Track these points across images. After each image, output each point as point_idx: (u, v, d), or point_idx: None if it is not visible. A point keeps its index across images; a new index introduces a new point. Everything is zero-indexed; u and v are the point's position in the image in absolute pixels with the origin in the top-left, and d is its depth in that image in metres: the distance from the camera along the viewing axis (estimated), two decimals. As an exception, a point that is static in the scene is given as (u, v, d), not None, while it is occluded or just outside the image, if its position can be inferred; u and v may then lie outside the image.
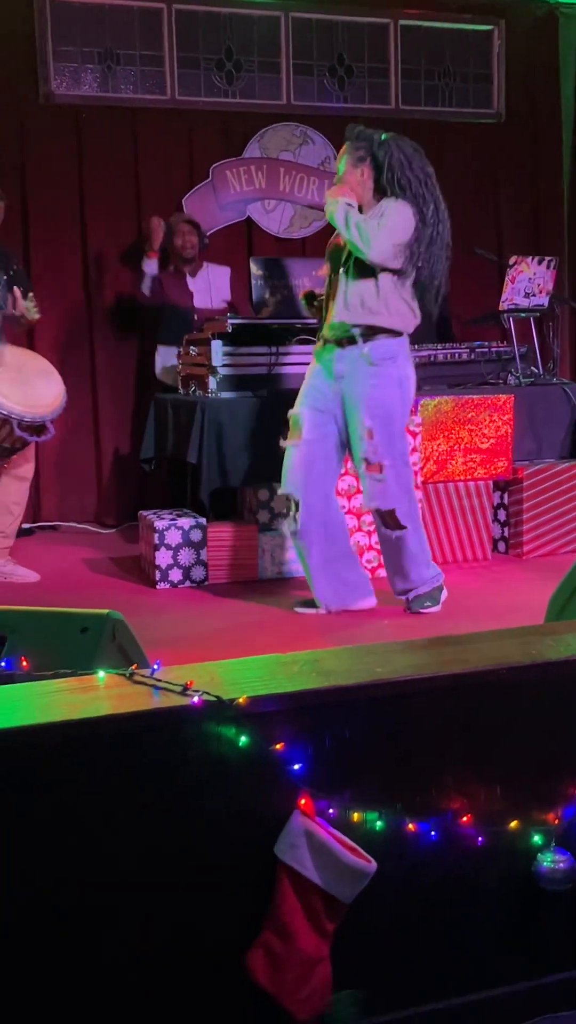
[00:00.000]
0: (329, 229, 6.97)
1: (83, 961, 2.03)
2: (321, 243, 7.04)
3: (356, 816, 2.13)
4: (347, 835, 2.10)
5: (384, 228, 4.13)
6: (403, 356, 4.32)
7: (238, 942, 2.11)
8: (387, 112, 7.16)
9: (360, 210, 4.24)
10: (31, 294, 5.09)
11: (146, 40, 6.66)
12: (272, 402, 5.35)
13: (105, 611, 2.50)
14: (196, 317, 6.16)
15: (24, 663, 2.36)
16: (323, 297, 4.52)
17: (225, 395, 5.32)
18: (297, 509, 4.35)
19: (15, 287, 5.12)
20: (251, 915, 2.11)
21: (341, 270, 4.30)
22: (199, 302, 6.27)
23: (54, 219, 6.55)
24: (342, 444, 4.39)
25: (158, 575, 4.95)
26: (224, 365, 5.32)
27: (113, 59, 6.61)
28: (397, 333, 4.28)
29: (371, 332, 4.24)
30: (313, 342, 5.69)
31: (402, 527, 4.33)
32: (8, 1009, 1.99)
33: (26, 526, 6.46)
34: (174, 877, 2.07)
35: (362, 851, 2.09)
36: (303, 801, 2.09)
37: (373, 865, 2.08)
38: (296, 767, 2.07)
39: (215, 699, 2.05)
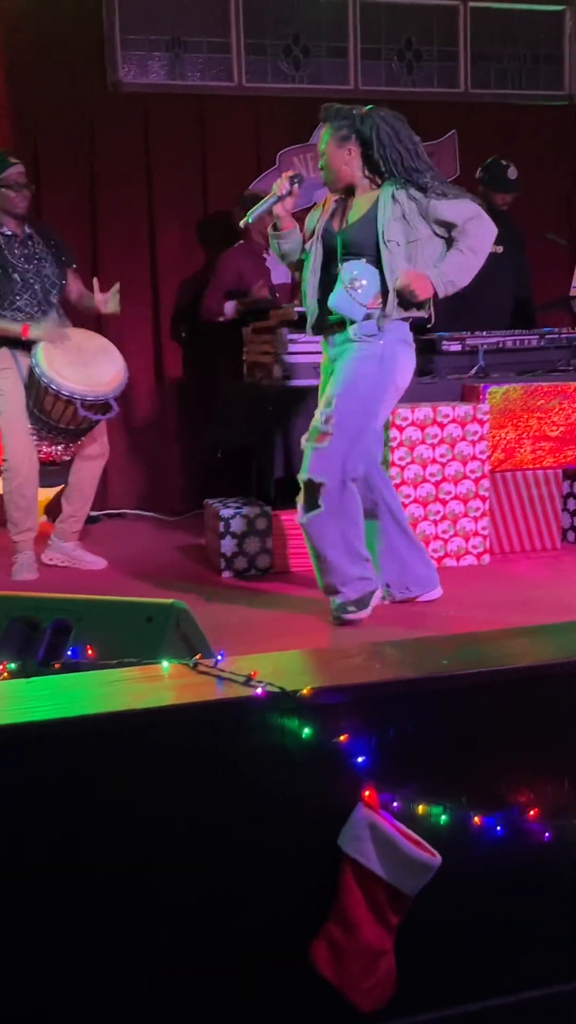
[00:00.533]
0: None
1: (146, 948, 2.04)
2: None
3: (421, 809, 2.11)
4: (411, 828, 2.08)
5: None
6: (391, 334, 4.08)
7: (302, 932, 2.10)
8: (456, 95, 7.07)
9: (352, 191, 4.11)
10: (116, 287, 5.10)
11: (213, 27, 6.64)
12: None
13: (170, 601, 2.50)
14: (276, 295, 6.15)
15: (90, 652, 2.38)
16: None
17: (292, 382, 5.30)
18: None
19: (70, 269, 5.15)
20: (314, 906, 2.11)
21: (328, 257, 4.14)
22: (276, 277, 6.24)
23: (122, 207, 6.56)
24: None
25: (223, 563, 4.95)
26: (290, 352, 5.30)
27: (180, 47, 6.60)
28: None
29: (366, 316, 4.06)
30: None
31: (317, 506, 4.00)
32: (80, 992, 2.01)
33: (93, 513, 6.50)
34: (236, 867, 2.07)
35: (426, 844, 2.07)
36: (367, 793, 2.08)
37: (437, 859, 2.07)
38: (360, 759, 2.06)
39: (278, 690, 2.05)
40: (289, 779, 2.07)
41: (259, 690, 2.05)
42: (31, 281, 4.98)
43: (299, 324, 5.30)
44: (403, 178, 4.02)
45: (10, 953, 1.96)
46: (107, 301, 5.12)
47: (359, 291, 4.02)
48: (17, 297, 4.95)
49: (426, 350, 5.81)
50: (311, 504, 4.03)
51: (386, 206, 4.00)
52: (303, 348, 5.32)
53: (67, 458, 5.13)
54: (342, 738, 2.06)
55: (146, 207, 6.62)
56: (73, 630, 2.49)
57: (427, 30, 7.02)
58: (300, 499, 4.10)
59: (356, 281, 4.02)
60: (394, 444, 4.97)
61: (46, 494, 5.75)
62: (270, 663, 2.23)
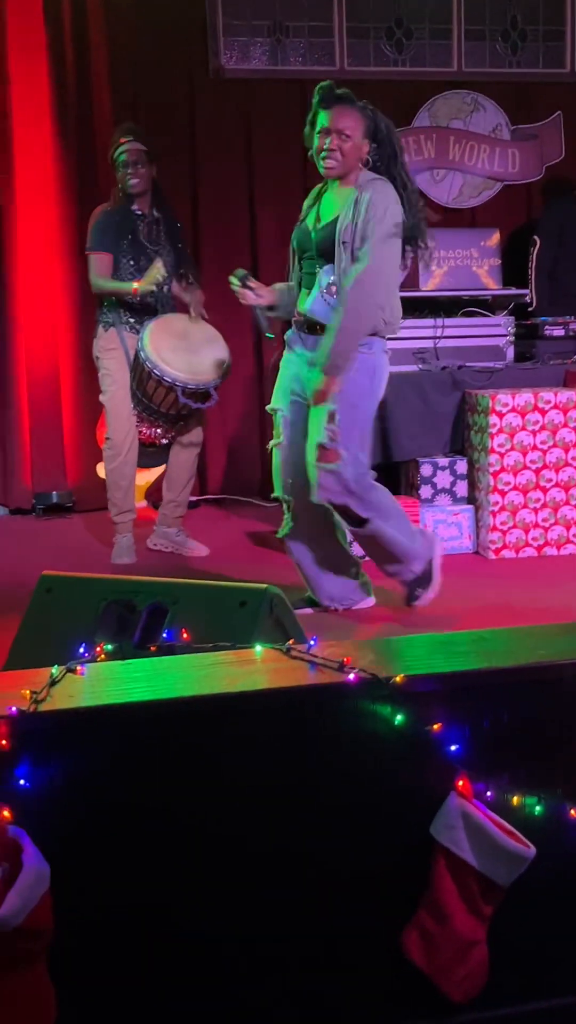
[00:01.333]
0: (501, 198, 6.91)
1: (236, 934, 2.05)
2: (492, 212, 6.94)
3: (515, 800, 2.09)
4: (505, 819, 2.06)
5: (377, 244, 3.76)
6: (377, 344, 3.94)
7: (394, 920, 2.10)
8: (563, 76, 6.93)
9: (337, 183, 3.89)
10: (199, 296, 5.11)
11: (315, 11, 6.62)
12: (437, 375, 5.28)
13: (264, 585, 2.51)
14: None
15: (185, 635, 2.40)
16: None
17: (390, 369, 5.26)
18: (290, 511, 4.10)
19: (182, 272, 5.18)
20: (406, 893, 2.10)
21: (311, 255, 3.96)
22: None
23: (223, 191, 6.60)
24: None
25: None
26: (390, 339, 5.26)
27: (282, 31, 6.59)
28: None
29: None
30: (482, 313, 5.62)
31: (364, 520, 3.92)
32: (176, 969, 2.03)
33: (192, 499, 6.57)
34: (327, 853, 2.07)
35: (520, 835, 2.05)
36: (461, 783, 2.06)
37: (532, 850, 2.04)
38: (453, 748, 2.04)
39: (371, 676, 2.04)
40: (381, 766, 2.06)
41: (352, 676, 2.05)
42: (150, 261, 5.02)
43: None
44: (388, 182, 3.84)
45: (107, 926, 1.99)
46: (192, 306, 5.13)
47: (335, 297, 3.84)
48: (130, 275, 5.01)
49: (528, 335, 5.74)
50: (357, 521, 3.95)
51: (350, 210, 3.79)
52: (401, 334, 5.28)
53: (165, 441, 5.18)
54: (436, 726, 2.04)
55: (246, 192, 6.64)
56: (169, 613, 2.51)
57: (533, 10, 6.89)
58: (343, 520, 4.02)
59: (332, 286, 3.86)
60: (494, 431, 4.92)
61: (146, 478, 5.82)
62: (364, 650, 2.22)
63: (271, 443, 4.12)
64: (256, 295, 4.05)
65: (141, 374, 4.86)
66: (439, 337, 5.35)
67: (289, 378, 4.05)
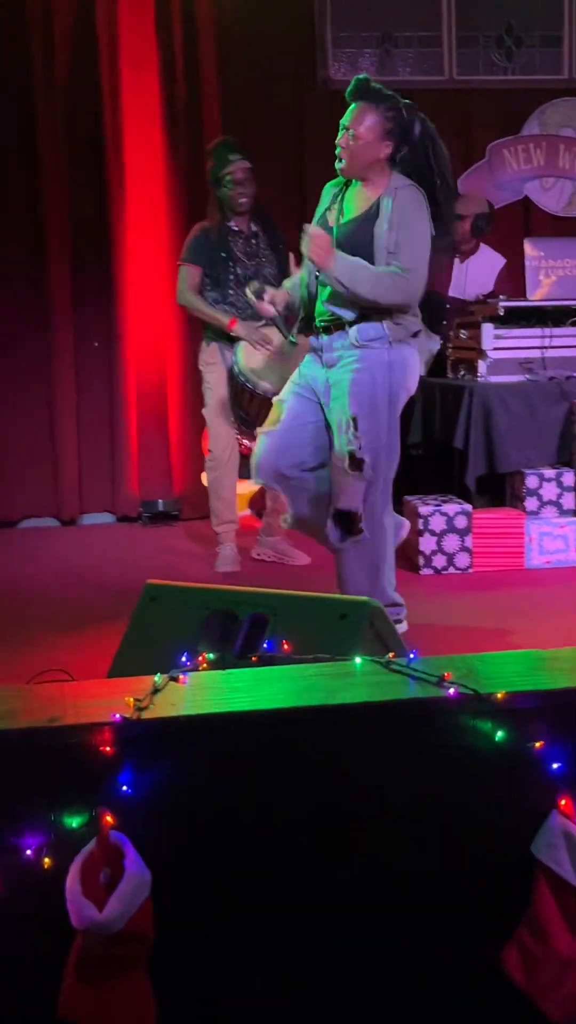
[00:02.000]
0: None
1: (331, 942, 2.05)
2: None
3: (618, 821, 2.05)
4: (608, 840, 2.02)
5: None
6: (396, 338, 3.81)
7: (494, 936, 2.08)
8: None
9: (359, 184, 3.79)
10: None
11: (425, 20, 6.61)
12: (545, 386, 5.22)
13: (364, 598, 2.51)
14: (448, 305, 6.06)
15: (285, 646, 2.41)
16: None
17: (495, 379, 5.23)
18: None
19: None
20: (507, 911, 2.08)
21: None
22: (455, 289, 6.13)
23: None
24: (320, 433, 3.92)
25: (421, 561, 4.93)
26: (495, 348, 5.23)
27: (391, 41, 6.60)
28: (387, 313, 3.78)
29: (362, 316, 3.77)
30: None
31: (359, 532, 3.79)
32: (274, 976, 2.04)
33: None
34: (426, 867, 2.06)
35: (623, 857, 2.01)
36: (563, 802, 2.03)
37: None
38: (555, 766, 2.02)
39: (471, 692, 2.03)
40: (481, 783, 2.04)
41: (452, 691, 2.04)
42: (248, 278, 5.07)
43: (504, 319, 5.23)
44: (420, 189, 3.74)
45: (207, 933, 2.01)
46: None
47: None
48: (230, 291, 5.06)
49: None
50: (353, 530, 3.81)
51: (386, 211, 3.71)
52: (508, 344, 5.24)
53: None
54: (538, 744, 2.02)
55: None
56: (270, 624, 2.53)
57: None
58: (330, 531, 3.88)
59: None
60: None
61: (249, 487, 5.86)
62: (464, 665, 2.20)
63: (262, 429, 4.01)
64: (273, 304, 4.04)
65: (236, 387, 4.91)
66: (547, 347, 5.29)
67: (305, 375, 3.95)
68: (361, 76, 3.84)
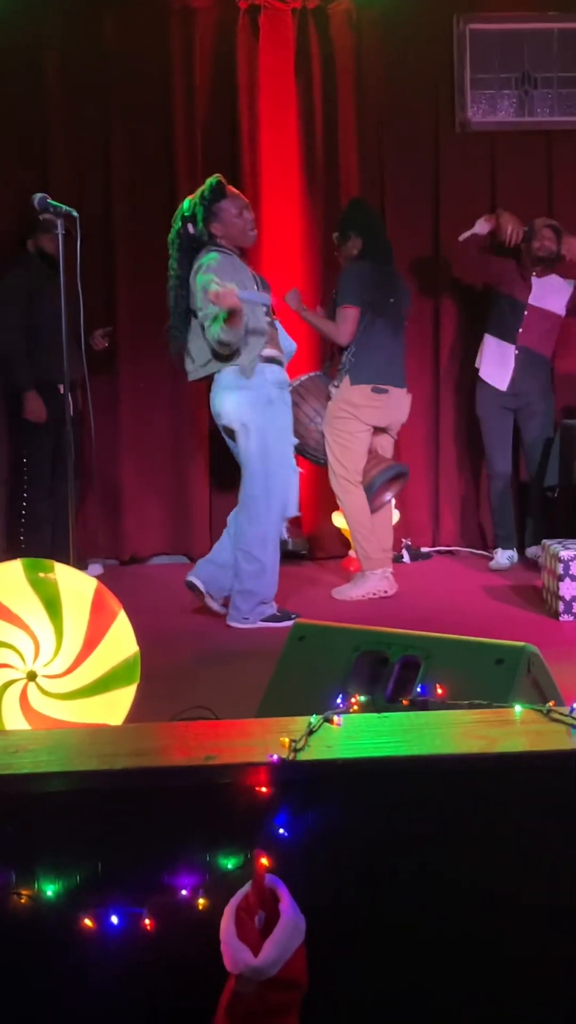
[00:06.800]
0: None
1: (489, 998, 1.99)
2: None
3: None
4: None
5: None
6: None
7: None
8: None
9: None
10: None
11: (564, 61, 6.56)
12: None
13: (521, 644, 2.45)
14: (527, 313, 5.97)
15: (439, 690, 2.36)
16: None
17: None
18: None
19: None
20: None
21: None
22: (535, 299, 6.03)
23: (466, 243, 6.58)
24: None
25: (562, 607, 4.81)
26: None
27: (531, 83, 6.56)
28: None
29: None
30: None
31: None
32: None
33: (425, 549, 6.53)
34: (565, 921, 1.98)
35: None
36: None
37: None
38: None
39: None
40: None
41: (617, 743, 1.96)
42: None
43: None
44: None
45: (360, 982, 1.96)
46: None
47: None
48: None
49: None
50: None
51: None
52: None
53: None
54: None
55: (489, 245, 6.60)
56: (422, 667, 2.48)
57: None
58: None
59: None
60: None
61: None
62: (626, 715, 2.12)
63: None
64: None
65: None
66: None
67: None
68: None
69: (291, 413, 4.79)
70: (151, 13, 6.25)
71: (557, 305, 6.01)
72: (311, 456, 5.45)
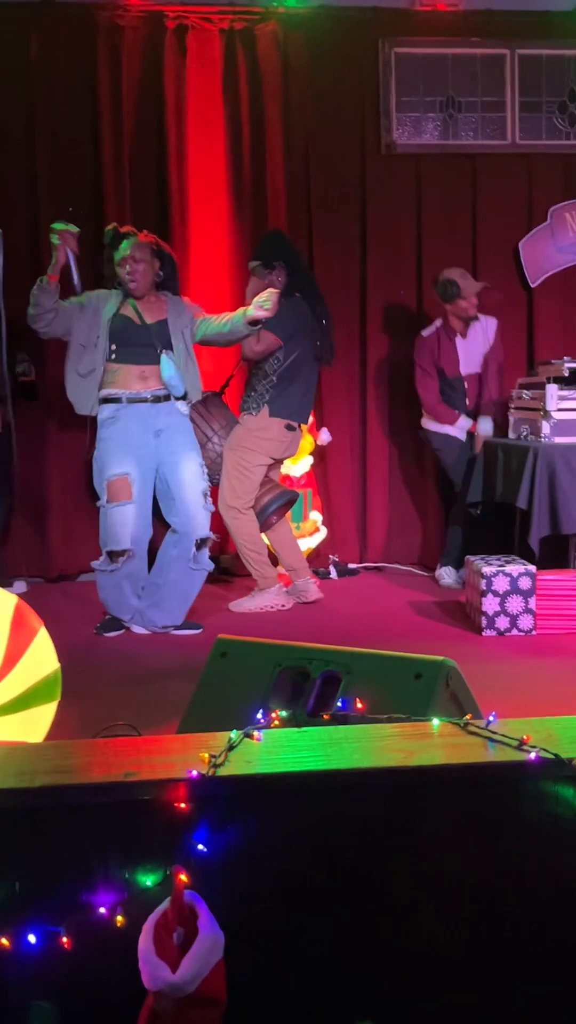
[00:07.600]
0: None
1: (403, 1012, 2.00)
2: None
3: None
4: None
5: None
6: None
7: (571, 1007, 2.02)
8: None
9: None
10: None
11: (487, 85, 6.68)
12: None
13: (440, 658, 2.48)
14: (466, 385, 6.07)
15: (359, 705, 2.38)
16: None
17: (560, 440, 5.21)
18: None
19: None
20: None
21: None
22: (465, 367, 6.08)
23: (390, 265, 6.66)
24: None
25: (484, 622, 4.88)
26: (560, 409, 5.22)
27: (455, 106, 6.66)
28: None
29: None
30: None
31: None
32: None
33: (352, 566, 6.57)
34: (503, 935, 2.00)
35: None
36: None
37: None
38: None
39: (553, 756, 1.98)
40: (563, 849, 1.99)
41: (532, 755, 2.00)
42: None
43: (569, 380, 5.23)
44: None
45: (279, 998, 1.97)
46: None
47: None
48: None
49: None
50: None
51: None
52: (573, 404, 5.23)
53: None
54: (622, 811, 1.97)
55: (415, 265, 6.68)
56: (343, 682, 2.50)
57: None
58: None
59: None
60: None
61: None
62: (543, 728, 2.16)
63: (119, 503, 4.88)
64: None
65: None
66: (610, 409, 5.27)
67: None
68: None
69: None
70: (77, 30, 6.24)
71: (483, 351, 6.08)
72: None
